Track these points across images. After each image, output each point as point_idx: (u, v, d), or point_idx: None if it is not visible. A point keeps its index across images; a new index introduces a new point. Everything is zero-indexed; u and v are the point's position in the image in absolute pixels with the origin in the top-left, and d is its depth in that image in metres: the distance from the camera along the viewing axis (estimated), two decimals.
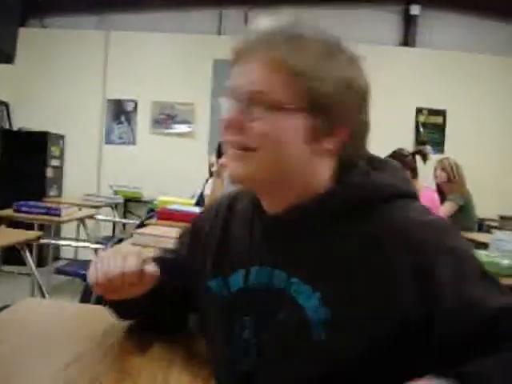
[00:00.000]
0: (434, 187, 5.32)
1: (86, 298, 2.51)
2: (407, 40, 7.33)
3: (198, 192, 4.89)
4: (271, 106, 0.92)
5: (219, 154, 3.95)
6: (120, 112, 7.44)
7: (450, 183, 5.24)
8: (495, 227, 5.81)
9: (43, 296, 3.82)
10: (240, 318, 1.02)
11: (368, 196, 0.95)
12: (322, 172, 0.98)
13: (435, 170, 5.38)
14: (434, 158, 5.84)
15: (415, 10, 7.22)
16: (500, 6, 6.96)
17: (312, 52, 0.93)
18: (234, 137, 0.96)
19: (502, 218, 6.10)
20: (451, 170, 5.25)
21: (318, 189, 0.97)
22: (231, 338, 1.02)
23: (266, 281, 0.99)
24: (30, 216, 4.48)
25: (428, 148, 2.69)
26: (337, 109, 0.94)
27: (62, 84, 7.28)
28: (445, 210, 4.97)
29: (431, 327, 0.83)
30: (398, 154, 3.68)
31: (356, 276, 0.90)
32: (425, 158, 2.62)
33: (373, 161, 1.03)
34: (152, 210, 4.85)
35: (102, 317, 1.26)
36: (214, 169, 3.99)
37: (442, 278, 0.84)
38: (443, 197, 5.21)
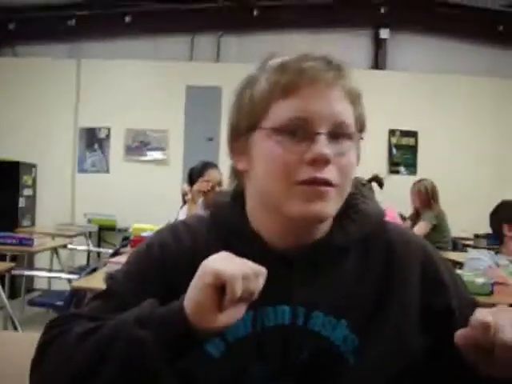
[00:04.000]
0: (409, 209, 5.40)
1: None
2: (377, 63, 7.45)
3: (173, 219, 4.84)
4: (351, 137, 0.91)
5: (191, 181, 3.93)
6: (93, 140, 7.38)
7: (425, 204, 5.29)
8: (470, 245, 5.85)
9: (15, 329, 3.73)
10: (250, 367, 0.90)
11: (373, 223, 0.99)
12: None
13: (411, 193, 5.42)
14: (408, 179, 5.90)
15: (385, 33, 7.38)
16: (463, 29, 7.23)
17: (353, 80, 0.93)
18: (325, 174, 0.86)
19: (477, 236, 6.14)
20: (426, 192, 5.30)
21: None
22: None
23: (282, 321, 0.91)
24: (2, 247, 4.40)
25: (382, 176, 2.79)
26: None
27: (33, 113, 7.20)
28: (418, 229, 5.01)
29: (447, 322, 0.91)
30: (355, 182, 3.68)
31: (377, 297, 0.92)
32: (380, 184, 2.68)
33: (359, 187, 1.04)
34: (126, 238, 4.77)
35: None
36: (187, 197, 3.96)
37: (447, 282, 0.96)
38: (419, 218, 5.26)
